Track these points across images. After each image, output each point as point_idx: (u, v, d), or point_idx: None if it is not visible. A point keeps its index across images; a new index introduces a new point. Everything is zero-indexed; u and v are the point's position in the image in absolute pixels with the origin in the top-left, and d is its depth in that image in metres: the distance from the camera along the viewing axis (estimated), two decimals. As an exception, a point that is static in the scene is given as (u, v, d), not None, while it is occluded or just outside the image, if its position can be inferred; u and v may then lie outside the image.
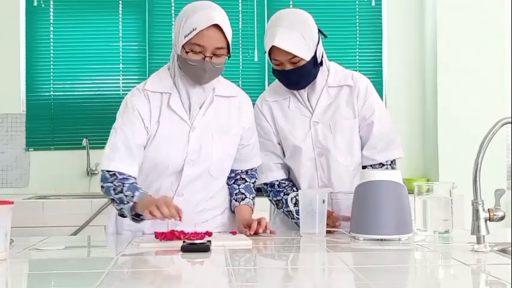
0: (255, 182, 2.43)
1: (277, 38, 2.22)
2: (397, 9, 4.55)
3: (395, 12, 4.56)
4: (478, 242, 1.81)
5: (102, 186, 2.21)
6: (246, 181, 2.39)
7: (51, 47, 4.46)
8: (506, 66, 4.11)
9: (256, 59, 4.51)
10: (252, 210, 2.36)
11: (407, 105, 4.54)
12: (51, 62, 4.46)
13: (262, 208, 2.59)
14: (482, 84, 4.17)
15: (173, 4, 4.48)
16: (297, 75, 2.31)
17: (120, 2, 4.49)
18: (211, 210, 2.33)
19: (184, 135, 2.22)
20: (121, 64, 4.49)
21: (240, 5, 4.53)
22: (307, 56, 2.26)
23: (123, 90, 4.41)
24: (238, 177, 2.39)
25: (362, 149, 2.41)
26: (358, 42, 4.56)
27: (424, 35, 4.48)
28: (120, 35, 4.50)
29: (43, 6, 4.46)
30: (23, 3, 4.45)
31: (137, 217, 2.17)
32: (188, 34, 2.11)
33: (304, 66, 2.28)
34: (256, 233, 2.15)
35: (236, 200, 2.35)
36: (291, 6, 4.56)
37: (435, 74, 4.26)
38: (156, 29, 4.48)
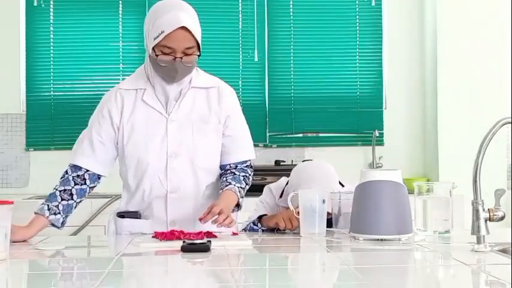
0: (245, 176, 2.34)
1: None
2: (397, 9, 4.55)
3: (395, 12, 4.56)
4: (478, 242, 1.81)
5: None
6: (235, 174, 2.33)
7: (51, 47, 4.46)
8: (506, 66, 4.11)
9: (256, 59, 4.50)
10: (237, 197, 2.25)
11: (407, 105, 4.54)
12: (51, 62, 4.46)
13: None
14: (482, 84, 4.17)
15: (173, 4, 4.48)
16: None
17: (120, 2, 4.48)
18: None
19: (162, 128, 2.25)
20: (121, 64, 4.49)
21: (240, 5, 4.53)
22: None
23: (123, 90, 4.41)
24: (228, 172, 2.34)
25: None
26: (358, 42, 4.56)
27: (424, 35, 4.48)
28: (120, 35, 4.50)
29: (43, 6, 4.46)
30: (23, 3, 4.45)
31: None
32: (157, 37, 2.13)
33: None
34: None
35: (221, 189, 2.28)
36: (291, 6, 4.56)
37: (435, 74, 4.26)
38: (156, 29, 4.48)
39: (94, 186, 2.32)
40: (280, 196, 2.52)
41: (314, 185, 2.30)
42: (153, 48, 2.16)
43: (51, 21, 4.47)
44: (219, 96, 2.32)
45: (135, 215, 2.33)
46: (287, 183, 2.52)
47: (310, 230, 2.15)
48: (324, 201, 2.16)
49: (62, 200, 2.24)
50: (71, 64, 4.47)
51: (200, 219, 2.11)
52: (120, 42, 4.50)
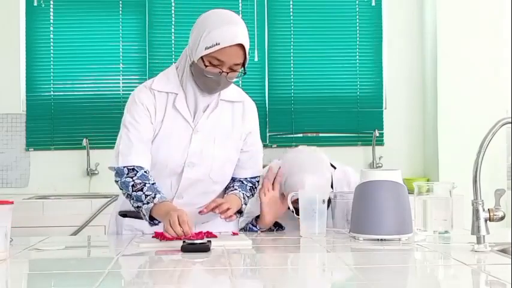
0: (252, 187, 2.37)
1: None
2: (397, 9, 4.55)
3: (395, 12, 4.56)
4: (478, 242, 1.81)
5: (117, 181, 2.19)
6: (243, 183, 2.35)
7: (51, 47, 4.46)
8: (506, 66, 4.11)
9: (256, 59, 4.50)
10: (241, 202, 2.27)
11: (407, 105, 4.54)
12: (51, 62, 4.45)
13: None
14: (482, 84, 4.17)
15: (173, 4, 4.48)
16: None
17: (120, 2, 4.48)
18: (212, 214, 2.31)
19: (186, 137, 2.22)
20: (121, 64, 4.49)
21: (240, 5, 4.53)
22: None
23: (123, 90, 4.41)
24: (236, 180, 2.36)
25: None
26: (358, 42, 4.56)
27: (424, 35, 4.48)
28: (120, 35, 4.49)
29: (43, 6, 4.46)
30: (23, 3, 4.45)
31: (152, 220, 2.14)
32: (210, 47, 2.08)
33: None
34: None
35: (227, 193, 2.30)
36: (291, 6, 4.56)
37: (435, 74, 4.26)
38: (156, 29, 4.48)
39: None
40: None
41: (306, 174, 2.29)
42: (201, 57, 2.11)
43: (51, 21, 4.47)
44: (243, 112, 2.31)
45: (137, 214, 2.32)
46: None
47: (310, 230, 2.15)
48: (323, 201, 2.16)
49: (146, 186, 2.13)
50: (71, 64, 4.47)
51: (200, 212, 2.15)
52: (120, 42, 4.49)
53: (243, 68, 2.16)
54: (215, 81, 2.14)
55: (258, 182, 2.40)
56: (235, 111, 2.30)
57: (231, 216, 2.16)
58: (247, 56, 2.14)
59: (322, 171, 2.35)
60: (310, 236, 2.14)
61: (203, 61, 2.11)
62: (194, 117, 2.23)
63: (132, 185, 2.14)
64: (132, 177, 2.15)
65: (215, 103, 2.25)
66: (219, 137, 2.25)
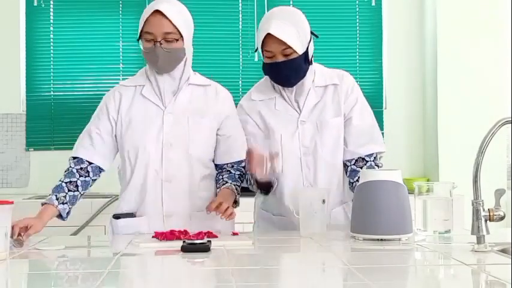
0: (240, 174, 2.42)
1: (272, 27, 2.25)
2: (397, 9, 4.55)
3: (395, 12, 4.55)
4: (478, 242, 1.81)
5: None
6: (231, 172, 2.42)
7: (51, 47, 4.46)
8: (506, 66, 4.11)
9: (256, 59, 4.50)
10: (235, 194, 2.35)
11: (407, 106, 4.54)
12: (51, 62, 4.46)
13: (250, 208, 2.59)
14: (482, 84, 4.17)
15: (173, 4, 4.48)
16: (288, 69, 2.32)
17: (120, 2, 4.48)
18: (205, 200, 2.34)
19: (158, 120, 2.34)
20: (121, 64, 4.49)
21: (240, 5, 4.53)
22: (299, 49, 2.30)
23: (123, 90, 4.41)
24: (224, 170, 2.43)
25: (344, 143, 2.43)
26: (358, 42, 4.55)
27: (424, 35, 4.47)
28: (120, 35, 4.50)
29: (43, 6, 4.46)
30: (23, 3, 4.45)
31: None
32: (141, 25, 2.30)
33: (296, 59, 2.30)
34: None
35: (218, 187, 2.38)
36: (291, 6, 4.55)
37: (435, 74, 4.26)
38: (156, 29, 4.48)
39: (95, 179, 2.40)
40: None
41: (273, 20, 2.27)
42: (140, 39, 2.31)
43: (51, 21, 4.47)
44: (217, 95, 2.43)
45: (130, 215, 2.34)
46: None
47: (310, 230, 2.15)
48: (324, 201, 2.16)
49: (69, 190, 2.32)
50: (71, 64, 4.47)
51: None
52: (120, 42, 4.49)
53: (182, 39, 2.29)
54: (153, 54, 2.28)
55: (244, 167, 2.43)
56: (208, 94, 2.42)
57: (231, 214, 2.22)
58: (178, 27, 2.27)
59: (293, 21, 2.30)
60: (310, 236, 2.14)
61: (141, 41, 2.31)
62: (163, 100, 2.36)
63: (64, 175, 2.37)
64: (70, 167, 2.37)
65: (182, 85, 2.37)
66: (193, 116, 2.36)
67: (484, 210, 1.83)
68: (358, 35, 4.56)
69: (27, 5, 4.45)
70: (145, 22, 2.28)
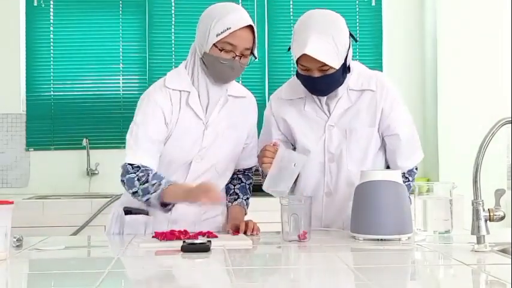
0: (251, 183, 2.45)
1: (309, 46, 2.12)
2: (397, 9, 4.55)
3: (395, 12, 4.56)
4: (478, 242, 1.81)
5: (122, 180, 2.21)
6: (242, 181, 2.42)
7: (51, 47, 4.46)
8: (506, 66, 4.11)
9: (256, 59, 4.50)
10: (245, 211, 2.40)
11: (407, 105, 4.52)
12: (51, 62, 4.46)
13: (261, 208, 2.59)
14: (482, 84, 4.17)
15: (173, 4, 4.48)
16: (325, 84, 2.22)
17: (120, 2, 4.48)
18: (212, 209, 2.34)
19: (199, 133, 2.26)
20: (121, 64, 4.49)
21: (240, 5, 4.52)
22: (337, 65, 2.17)
23: (123, 90, 4.41)
24: (235, 176, 2.42)
25: (388, 158, 2.37)
26: (358, 42, 4.55)
27: (424, 35, 4.48)
28: (120, 35, 4.49)
29: (43, 6, 4.46)
30: (23, 3, 4.45)
31: (165, 206, 2.19)
32: (221, 33, 2.14)
33: (333, 74, 2.19)
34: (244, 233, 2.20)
35: (229, 201, 2.39)
36: (291, 6, 4.56)
37: (435, 74, 4.26)
38: (156, 29, 4.48)
39: None
40: None
41: (311, 32, 2.13)
42: (214, 45, 2.16)
43: (51, 21, 4.47)
44: (248, 108, 2.39)
45: (142, 211, 2.31)
46: None
47: (273, 186, 2.16)
48: (295, 165, 2.17)
49: (150, 176, 2.17)
50: (71, 64, 4.47)
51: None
52: (120, 42, 4.49)
53: (252, 54, 2.22)
54: (230, 67, 2.19)
55: (256, 170, 2.44)
56: (241, 107, 2.35)
57: (253, 229, 2.21)
58: (256, 41, 2.21)
59: (332, 33, 2.16)
60: (272, 193, 2.16)
61: (217, 49, 2.16)
62: (206, 112, 2.27)
63: (138, 179, 2.16)
64: (135, 173, 2.18)
65: (225, 98, 2.30)
66: (227, 131, 2.30)
67: (484, 210, 1.83)
68: (358, 35, 4.56)
69: (27, 5, 4.45)
70: (231, 33, 2.13)
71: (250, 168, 2.45)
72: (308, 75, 2.21)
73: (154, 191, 2.13)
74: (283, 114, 2.38)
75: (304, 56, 2.14)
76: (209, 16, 2.19)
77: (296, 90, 2.36)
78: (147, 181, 2.15)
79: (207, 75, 2.24)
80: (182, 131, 2.24)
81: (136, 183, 2.16)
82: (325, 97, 2.31)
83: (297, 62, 2.20)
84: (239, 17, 2.16)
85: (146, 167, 2.18)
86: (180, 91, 2.26)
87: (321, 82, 2.21)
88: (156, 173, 2.18)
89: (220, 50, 2.16)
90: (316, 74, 2.19)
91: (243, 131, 2.35)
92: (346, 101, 2.32)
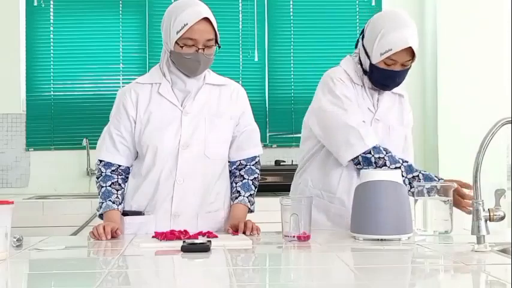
0: (255, 178, 2.44)
1: (412, 40, 2.32)
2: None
3: (395, 12, 4.55)
4: (478, 242, 1.82)
5: (96, 182, 2.40)
6: (244, 178, 2.42)
7: (51, 47, 4.46)
8: (506, 66, 4.11)
9: (256, 59, 4.50)
10: (249, 208, 2.39)
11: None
12: (51, 62, 4.46)
13: (261, 208, 2.58)
14: (482, 84, 4.17)
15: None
16: (401, 77, 2.42)
17: (120, 2, 4.48)
18: (214, 203, 2.36)
19: (177, 120, 2.33)
20: (121, 64, 4.49)
21: (240, 5, 4.53)
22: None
23: (123, 90, 4.41)
24: (237, 173, 2.42)
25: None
26: (358, 42, 4.55)
27: (424, 34, 4.47)
28: (120, 35, 4.50)
29: (43, 6, 4.46)
30: (23, 3, 4.45)
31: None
32: (180, 30, 2.24)
33: (409, 69, 2.40)
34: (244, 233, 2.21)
35: (231, 199, 2.40)
36: (291, 6, 4.56)
37: (435, 74, 4.26)
38: (156, 29, 4.47)
39: (128, 176, 2.42)
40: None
41: (408, 28, 2.34)
42: (176, 42, 2.26)
43: (51, 21, 4.47)
44: (232, 94, 2.43)
45: (138, 213, 2.34)
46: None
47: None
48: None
49: (117, 191, 2.34)
50: (71, 64, 4.47)
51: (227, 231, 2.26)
52: (120, 42, 4.50)
53: (217, 44, 2.31)
54: (195, 61, 2.28)
55: (258, 164, 2.46)
56: (224, 94, 2.42)
57: (252, 228, 2.22)
58: (217, 32, 2.30)
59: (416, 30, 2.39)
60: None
61: (179, 45, 2.26)
62: (183, 102, 2.35)
63: (98, 187, 2.37)
64: (98, 177, 2.37)
65: (200, 85, 2.38)
66: (209, 116, 2.36)
67: (484, 210, 1.83)
68: (358, 35, 4.55)
69: (27, 5, 4.45)
70: (189, 28, 2.23)
71: (254, 159, 2.45)
72: (389, 70, 2.36)
73: (98, 210, 2.34)
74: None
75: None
76: (169, 15, 2.30)
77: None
78: (99, 194, 2.36)
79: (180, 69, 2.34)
80: (159, 120, 2.33)
81: (101, 183, 2.36)
82: (377, 92, 2.46)
83: (380, 54, 2.33)
84: (194, 12, 2.25)
85: (109, 163, 2.35)
86: (150, 84, 2.38)
87: (401, 75, 2.40)
88: (106, 189, 2.33)
89: (182, 47, 2.26)
90: (398, 68, 2.37)
91: (229, 118, 2.39)
92: (388, 100, 2.52)
